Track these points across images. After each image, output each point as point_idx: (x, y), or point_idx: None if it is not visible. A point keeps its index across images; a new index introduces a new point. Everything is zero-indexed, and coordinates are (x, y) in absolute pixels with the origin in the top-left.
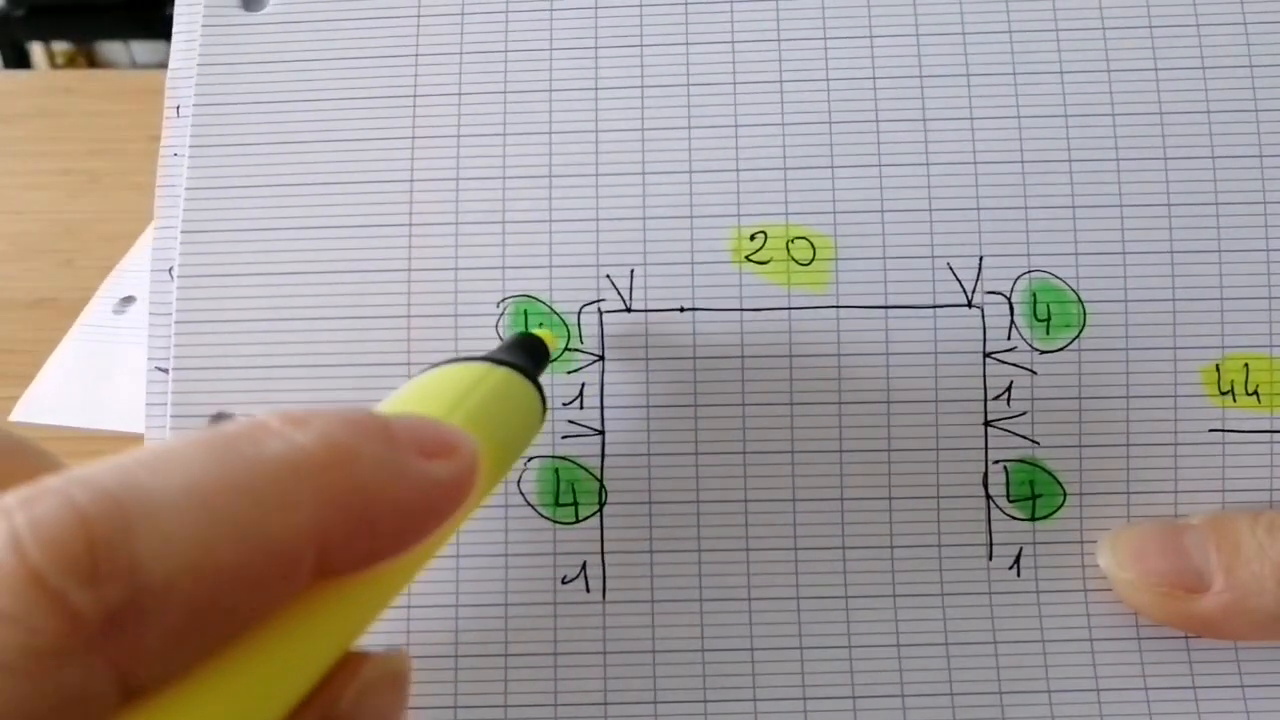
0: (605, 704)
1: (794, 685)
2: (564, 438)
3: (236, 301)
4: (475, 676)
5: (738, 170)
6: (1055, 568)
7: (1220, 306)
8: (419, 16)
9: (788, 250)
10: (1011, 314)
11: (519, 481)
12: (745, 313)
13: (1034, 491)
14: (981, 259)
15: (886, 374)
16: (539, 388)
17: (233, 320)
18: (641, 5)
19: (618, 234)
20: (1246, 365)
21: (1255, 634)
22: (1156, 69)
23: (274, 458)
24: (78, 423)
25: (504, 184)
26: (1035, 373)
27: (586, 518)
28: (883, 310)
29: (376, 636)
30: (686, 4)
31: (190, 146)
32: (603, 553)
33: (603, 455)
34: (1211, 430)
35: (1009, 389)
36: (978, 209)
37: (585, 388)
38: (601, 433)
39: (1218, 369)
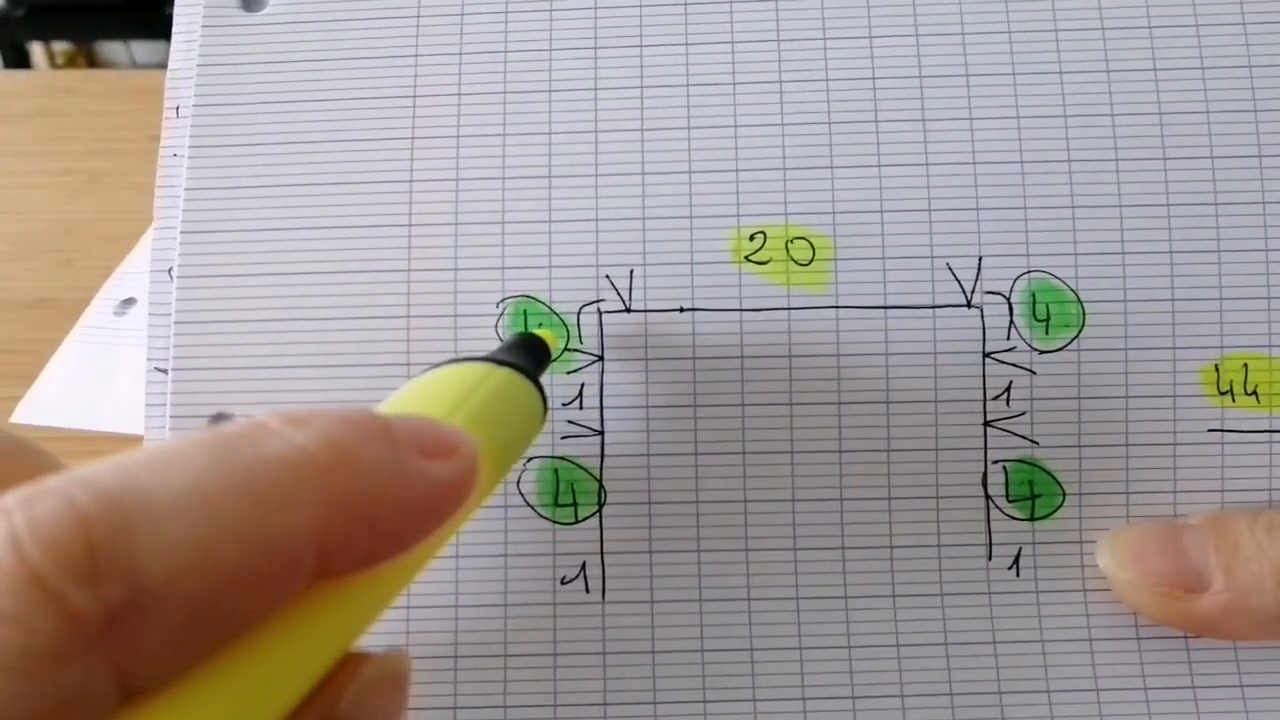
0: (605, 704)
1: (793, 685)
2: (563, 438)
3: (236, 302)
4: (475, 677)
5: (737, 170)
6: (1054, 568)
7: (1219, 306)
8: (418, 17)
9: (787, 250)
10: (1011, 314)
11: (518, 482)
12: (745, 313)
13: (1033, 491)
14: (981, 259)
15: (886, 374)
16: (540, 388)
17: (232, 321)
18: (641, 5)
19: (617, 234)
20: (1245, 365)
21: (1254, 634)
22: (1155, 69)
23: (274, 458)
24: (78, 424)
25: (504, 184)
26: (1034, 373)
27: (586, 518)
28: (882, 310)
29: (376, 637)
30: (686, 4)
31: (190, 147)
32: (602, 553)
33: (602, 455)
34: (1210, 430)
35: (1008, 389)
36: (977, 209)
37: (585, 388)
38: (601, 433)
39: (1217, 369)
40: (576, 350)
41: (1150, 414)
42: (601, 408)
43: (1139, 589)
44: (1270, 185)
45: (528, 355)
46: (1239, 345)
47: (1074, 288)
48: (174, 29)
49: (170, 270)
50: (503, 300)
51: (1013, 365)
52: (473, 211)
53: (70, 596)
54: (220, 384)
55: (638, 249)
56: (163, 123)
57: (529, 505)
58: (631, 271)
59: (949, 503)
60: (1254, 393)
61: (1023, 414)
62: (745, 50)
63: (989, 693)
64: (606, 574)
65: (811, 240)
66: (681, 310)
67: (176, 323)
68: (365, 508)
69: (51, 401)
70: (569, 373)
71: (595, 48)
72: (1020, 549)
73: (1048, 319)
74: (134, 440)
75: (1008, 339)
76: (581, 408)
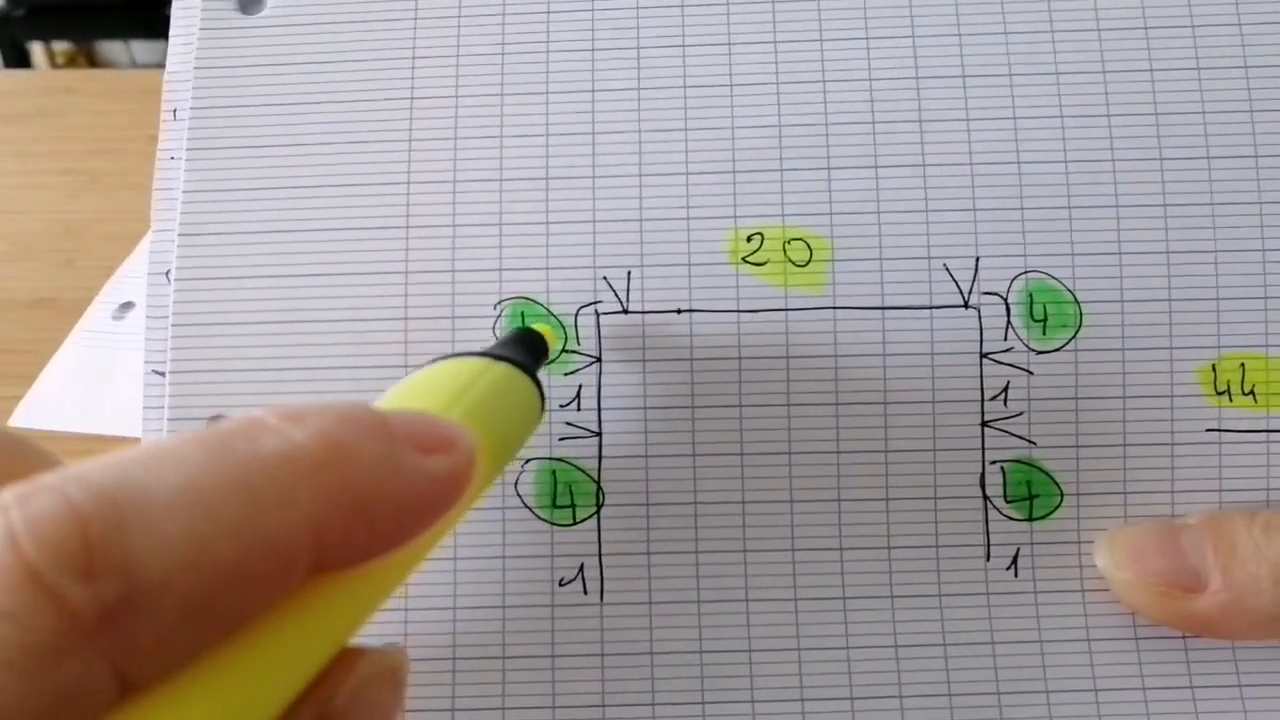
0: (603, 706)
1: (792, 686)
2: (561, 439)
3: (234, 304)
4: (473, 679)
5: (734, 172)
6: (1053, 568)
7: (1216, 307)
8: (416, 19)
9: (784, 251)
10: (1008, 314)
11: (516, 483)
12: (742, 314)
13: (1031, 492)
14: (978, 259)
15: (883, 375)
16: (538, 383)
17: (230, 323)
18: (638, 8)
19: (615, 236)
20: (1243, 365)
21: (1252, 633)
22: (1152, 70)
23: (270, 454)
24: (77, 427)
25: (501, 186)
26: (1032, 373)
27: (584, 519)
28: (879, 311)
29: (374, 640)
30: (683, 7)
31: (187, 149)
32: (600, 554)
33: (600, 457)
34: (1208, 430)
35: (1006, 389)
36: (974, 210)
37: (582, 389)
38: (599, 434)
39: (1214, 369)
40: (574, 352)
41: (1148, 414)
42: (599, 409)
43: (1137, 589)
44: (1266, 185)
45: (525, 350)
46: (1236, 345)
47: (1071, 288)
48: (171, 32)
49: (168, 273)
50: (500, 302)
51: (1010, 365)
52: (470, 213)
53: (67, 593)
54: (218, 386)
55: (635, 250)
56: (160, 125)
57: (527, 507)
58: (629, 273)
59: (947, 503)
60: (1251, 392)
61: (1020, 414)
62: (742, 52)
63: (988, 693)
64: (605, 575)
65: (809, 241)
66: (679, 311)
67: (174, 325)
68: (361, 503)
69: (50, 404)
70: (567, 374)
71: (592, 50)
72: (1018, 549)
73: (1045, 319)
74: (132, 443)
75: (1005, 339)
76: (579, 409)
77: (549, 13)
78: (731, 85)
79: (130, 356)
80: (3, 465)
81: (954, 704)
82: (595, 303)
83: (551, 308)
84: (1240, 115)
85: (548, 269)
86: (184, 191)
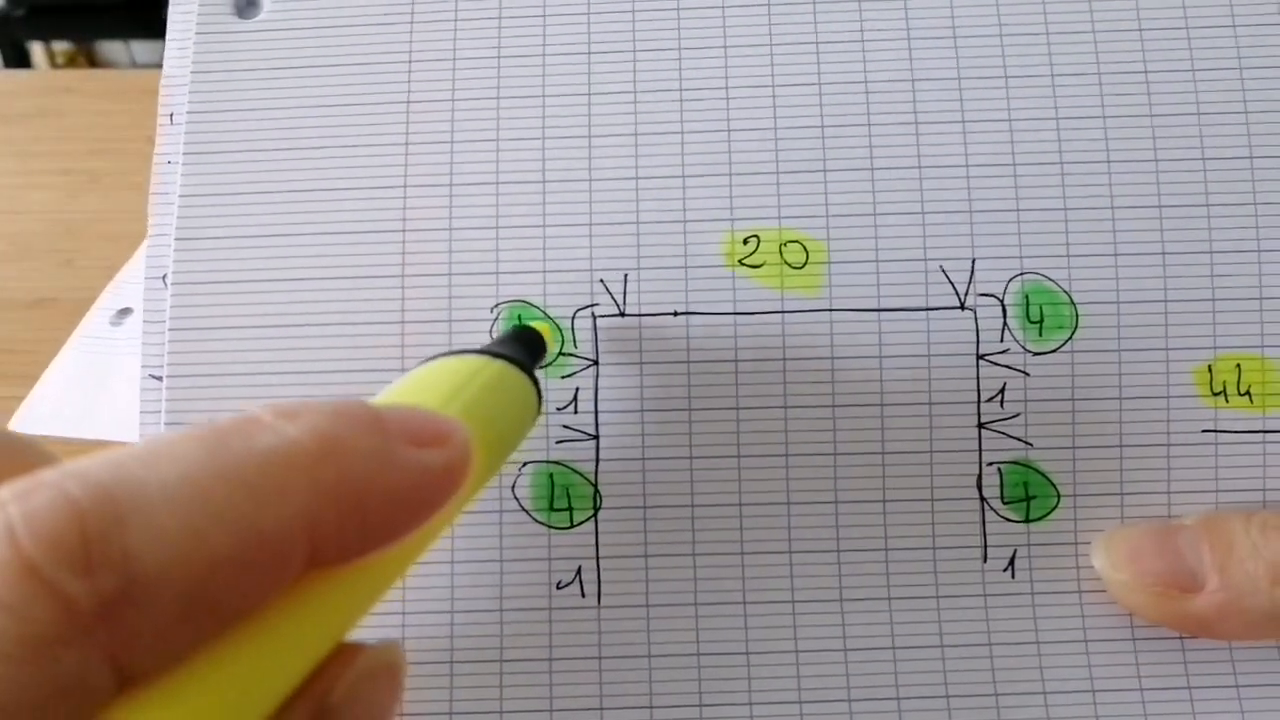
0: (601, 709)
1: (790, 689)
2: (558, 442)
3: (231, 308)
4: (470, 682)
5: (730, 174)
6: (1050, 569)
7: (1212, 308)
8: (412, 23)
9: (780, 254)
10: (1004, 316)
11: (513, 486)
12: (739, 316)
13: (1028, 493)
14: (974, 261)
15: (880, 377)
16: (535, 380)
17: (227, 327)
18: (634, 11)
19: (611, 238)
20: (1238, 366)
21: (1249, 634)
22: (1147, 72)
23: (265, 450)
24: (75, 433)
25: (497, 189)
26: (1028, 374)
27: (581, 522)
28: (875, 313)
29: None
30: (679, 10)
31: (184, 154)
32: (598, 557)
33: (597, 460)
34: (1204, 431)
35: (1002, 391)
36: (970, 212)
37: (579, 392)
38: (596, 437)
39: (1210, 370)
40: (571, 355)
41: (1144, 415)
42: (596, 412)
43: (1134, 589)
44: (1261, 186)
45: (523, 348)
46: (1232, 346)
47: (1067, 289)
48: (168, 36)
49: (165, 277)
50: (497, 305)
51: (1006, 367)
52: (467, 216)
53: (65, 586)
54: (215, 391)
55: (632, 253)
56: (157, 130)
57: (524, 510)
58: (625, 275)
59: (944, 505)
60: (1247, 393)
61: (1017, 416)
62: (738, 56)
63: (985, 695)
64: (602, 578)
65: (805, 243)
66: (676, 314)
67: (171, 329)
68: (356, 497)
69: (48, 410)
70: (564, 377)
71: (588, 53)
72: (1015, 551)
73: (1041, 321)
74: None
75: (1001, 341)
76: (576, 412)
77: (545, 17)
78: (727, 88)
79: (128, 362)
80: (3, 464)
81: (951, 705)
82: (592, 305)
83: (548, 311)
84: (1235, 117)
85: (544, 272)
86: (181, 196)
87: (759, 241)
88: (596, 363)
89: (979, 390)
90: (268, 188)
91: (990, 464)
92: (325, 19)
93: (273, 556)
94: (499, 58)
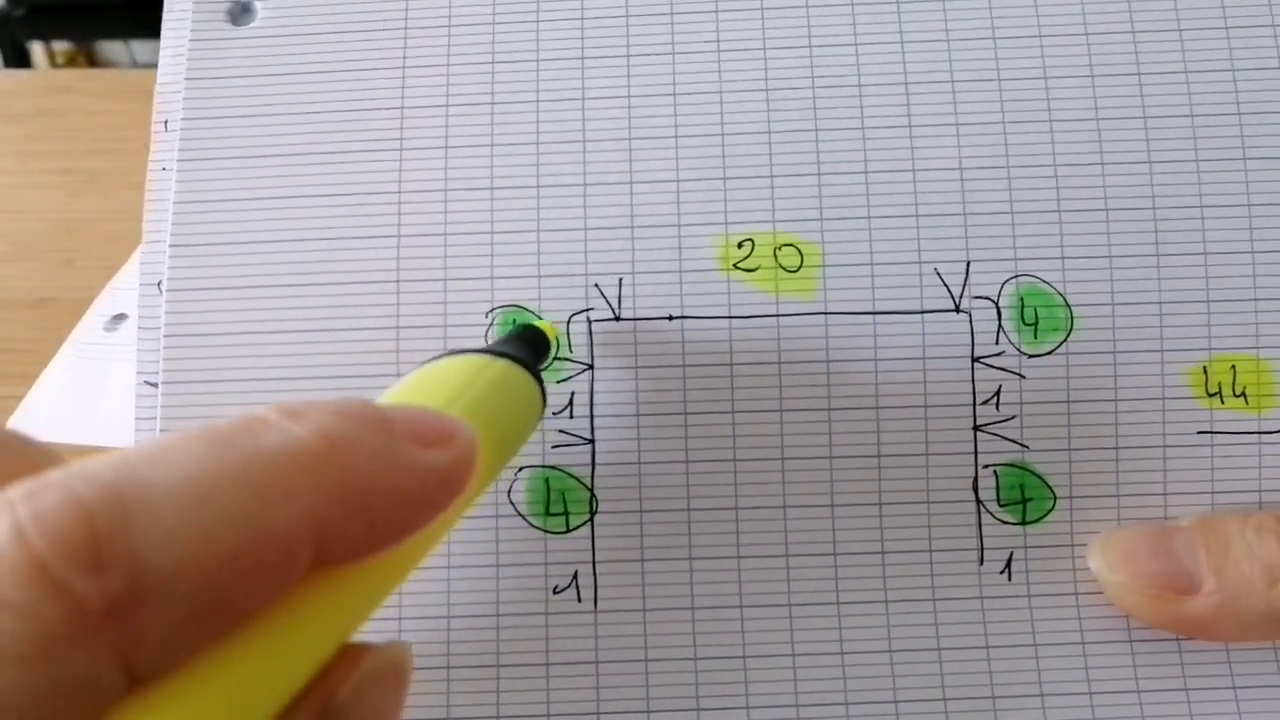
0: (598, 714)
1: (787, 693)
2: (554, 447)
3: (226, 314)
4: (467, 687)
5: (724, 178)
6: (1046, 571)
7: (1207, 309)
8: (406, 29)
9: (775, 257)
10: (999, 318)
11: (509, 491)
12: (734, 320)
13: (1024, 495)
14: (968, 264)
15: (875, 380)
16: (539, 380)
17: (222, 333)
18: (627, 15)
19: (606, 243)
20: (1234, 367)
21: (1245, 635)
22: (1140, 73)
23: (271, 449)
24: (70, 439)
25: (492, 194)
26: (1024, 377)
27: (577, 527)
28: (870, 316)
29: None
30: (672, 14)
31: (178, 160)
32: (594, 562)
33: (593, 464)
34: (1200, 432)
35: (997, 393)
36: (964, 214)
37: (575, 397)
38: (591, 441)
39: (1205, 371)
40: (566, 359)
41: (1140, 416)
42: (592, 416)
43: (1130, 591)
44: (1255, 187)
45: (527, 347)
46: (1227, 347)
47: (1062, 291)
48: (162, 43)
49: (160, 284)
50: (492, 310)
51: (1002, 369)
52: (461, 222)
53: (74, 585)
54: (210, 397)
55: (626, 258)
56: (151, 136)
57: (520, 515)
58: (620, 280)
59: (940, 508)
60: (1242, 394)
61: (1012, 418)
62: (731, 58)
63: (983, 697)
64: (599, 583)
65: (799, 247)
66: (670, 318)
67: (166, 336)
68: (362, 496)
69: (43, 416)
70: (559, 381)
71: (582, 58)
72: (1012, 553)
73: (1036, 323)
74: None
75: (996, 343)
76: (572, 416)
77: (538, 22)
78: (721, 92)
79: (123, 368)
80: (10, 464)
81: (949, 708)
82: (587, 310)
83: (543, 315)
84: (1228, 118)
85: (539, 277)
86: (175, 202)
87: (754, 245)
88: (592, 367)
89: (974, 393)
90: (263, 194)
91: (986, 466)
92: (319, 25)
93: (279, 556)
94: (493, 63)
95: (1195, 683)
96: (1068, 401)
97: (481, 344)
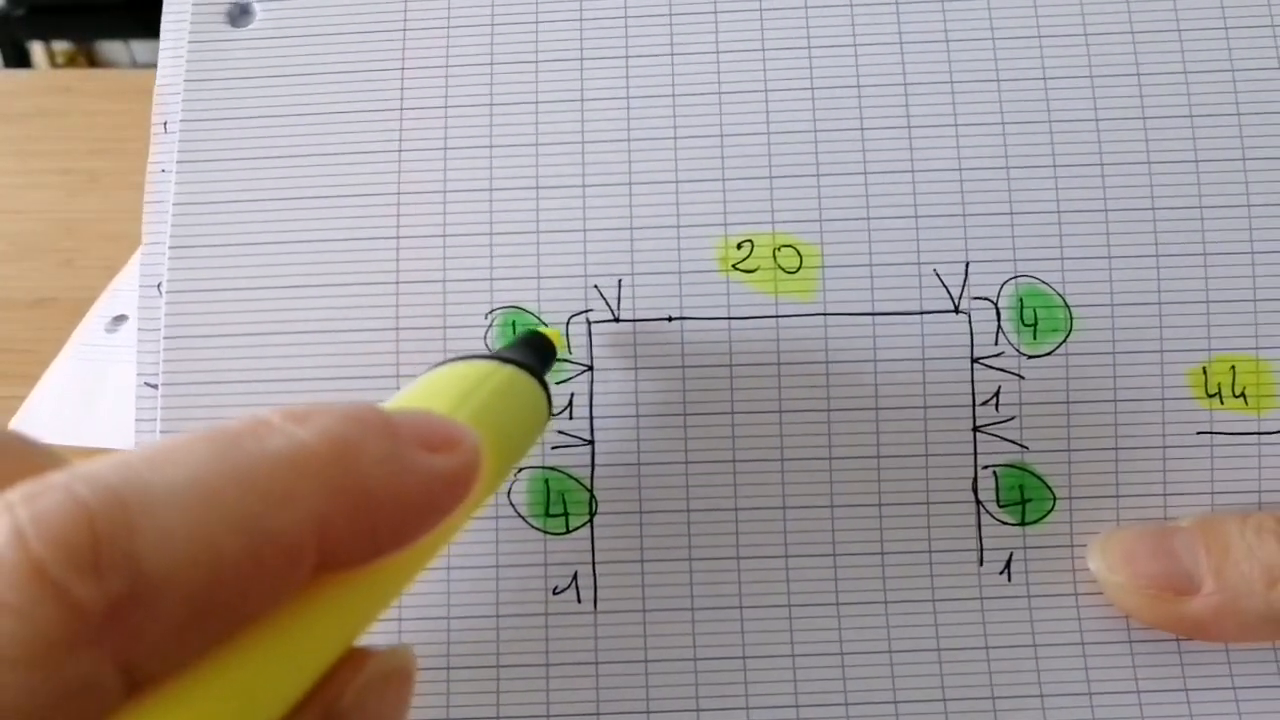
0: (598, 714)
1: (787, 693)
2: (554, 448)
3: (225, 316)
4: (467, 688)
5: (723, 180)
6: (1046, 572)
7: (1206, 309)
8: (405, 30)
9: (774, 258)
10: (998, 319)
11: (509, 492)
12: (733, 321)
13: (1023, 496)
14: (968, 264)
15: (875, 380)
16: (545, 386)
17: (222, 335)
18: (627, 17)
19: (605, 244)
20: (1233, 367)
21: (1245, 635)
22: (1139, 74)
23: (275, 452)
24: (71, 440)
25: (491, 196)
26: (1023, 377)
27: (577, 528)
28: (870, 317)
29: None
30: (671, 15)
31: (178, 162)
32: (594, 563)
33: (593, 465)
34: (1199, 432)
35: (997, 394)
36: (963, 215)
37: (574, 398)
38: (591, 443)
39: (1205, 371)
40: (566, 360)
41: (1139, 417)
42: (591, 417)
43: (1130, 592)
44: (1255, 187)
45: (533, 353)
46: (1226, 347)
47: (1061, 292)
48: (161, 44)
49: (159, 285)
50: (491, 311)
51: (1001, 370)
52: (460, 223)
53: (74, 588)
54: (210, 399)
55: (626, 259)
56: (150, 138)
57: (520, 516)
58: (620, 281)
59: (939, 508)
60: (1242, 394)
61: (1012, 419)
62: (730, 60)
63: (982, 698)
64: (598, 583)
65: (799, 248)
66: (670, 319)
67: (166, 338)
68: (366, 500)
69: (44, 417)
70: (559, 383)
71: (581, 59)
72: (1011, 554)
73: (1035, 323)
74: None
75: (996, 344)
76: (571, 418)
77: (538, 23)
78: (720, 93)
79: (123, 370)
80: (11, 465)
81: (949, 709)
82: (586, 311)
83: (543, 317)
84: (1228, 119)
85: (539, 278)
86: (175, 204)
87: (753, 246)
88: (591, 368)
89: (974, 393)
90: (262, 195)
91: (985, 467)
92: (318, 27)
93: (282, 560)
94: (492, 64)
95: (1195, 683)
96: (1067, 402)
97: (481, 345)
